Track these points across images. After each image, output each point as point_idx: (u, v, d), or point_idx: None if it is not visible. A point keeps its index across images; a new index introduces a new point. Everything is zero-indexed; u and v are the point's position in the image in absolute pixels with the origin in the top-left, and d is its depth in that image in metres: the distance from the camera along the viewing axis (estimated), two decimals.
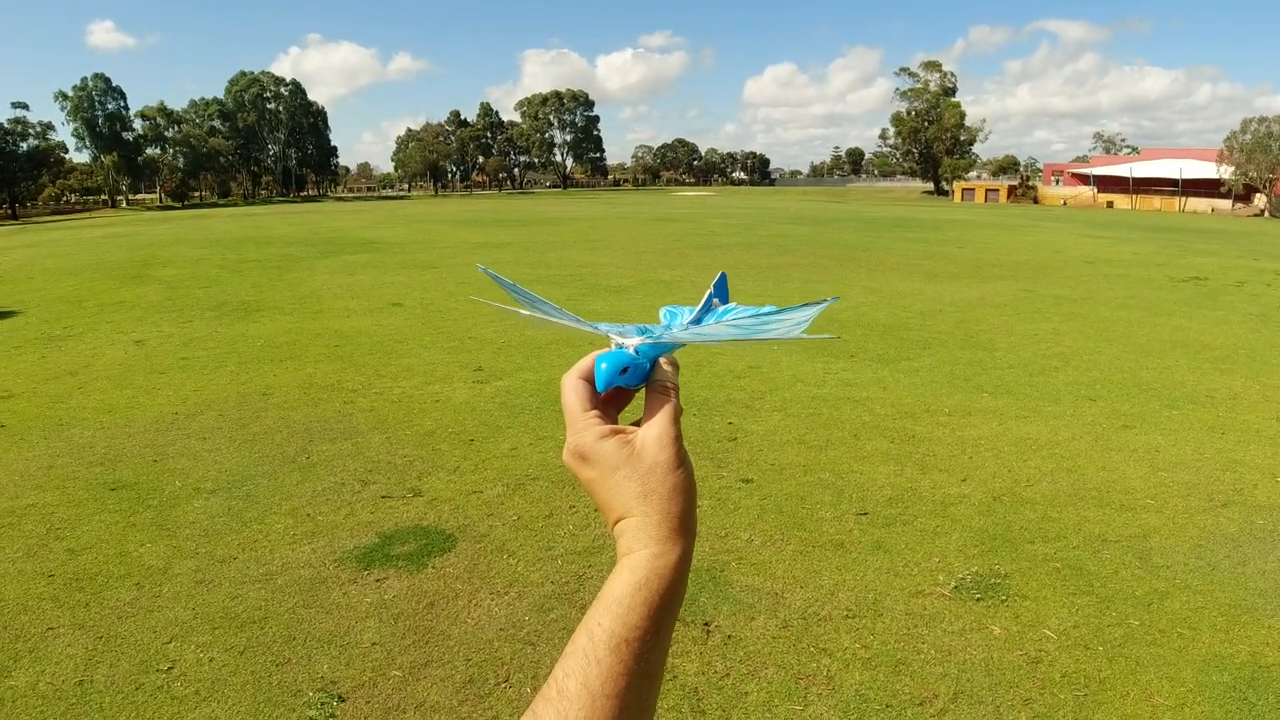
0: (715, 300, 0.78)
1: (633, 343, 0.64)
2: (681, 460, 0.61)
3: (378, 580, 4.02)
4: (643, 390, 0.66)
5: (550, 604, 3.80)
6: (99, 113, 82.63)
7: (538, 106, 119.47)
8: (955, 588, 3.93)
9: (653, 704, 0.57)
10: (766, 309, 0.71)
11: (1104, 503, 4.99)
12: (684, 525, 0.60)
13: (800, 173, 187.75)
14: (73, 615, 3.73)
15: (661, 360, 0.66)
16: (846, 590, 3.91)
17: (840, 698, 3.10)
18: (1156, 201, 57.63)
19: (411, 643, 3.47)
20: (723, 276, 0.81)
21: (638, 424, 0.64)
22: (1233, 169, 52.77)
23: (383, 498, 5.06)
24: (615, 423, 0.66)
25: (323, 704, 3.06)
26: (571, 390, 0.65)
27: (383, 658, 3.36)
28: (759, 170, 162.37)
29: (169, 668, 3.31)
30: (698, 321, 0.74)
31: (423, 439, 6.16)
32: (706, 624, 3.59)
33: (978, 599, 3.84)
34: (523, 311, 0.69)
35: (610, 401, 0.67)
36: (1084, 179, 67.86)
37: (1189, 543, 4.46)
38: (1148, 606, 3.80)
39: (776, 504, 4.92)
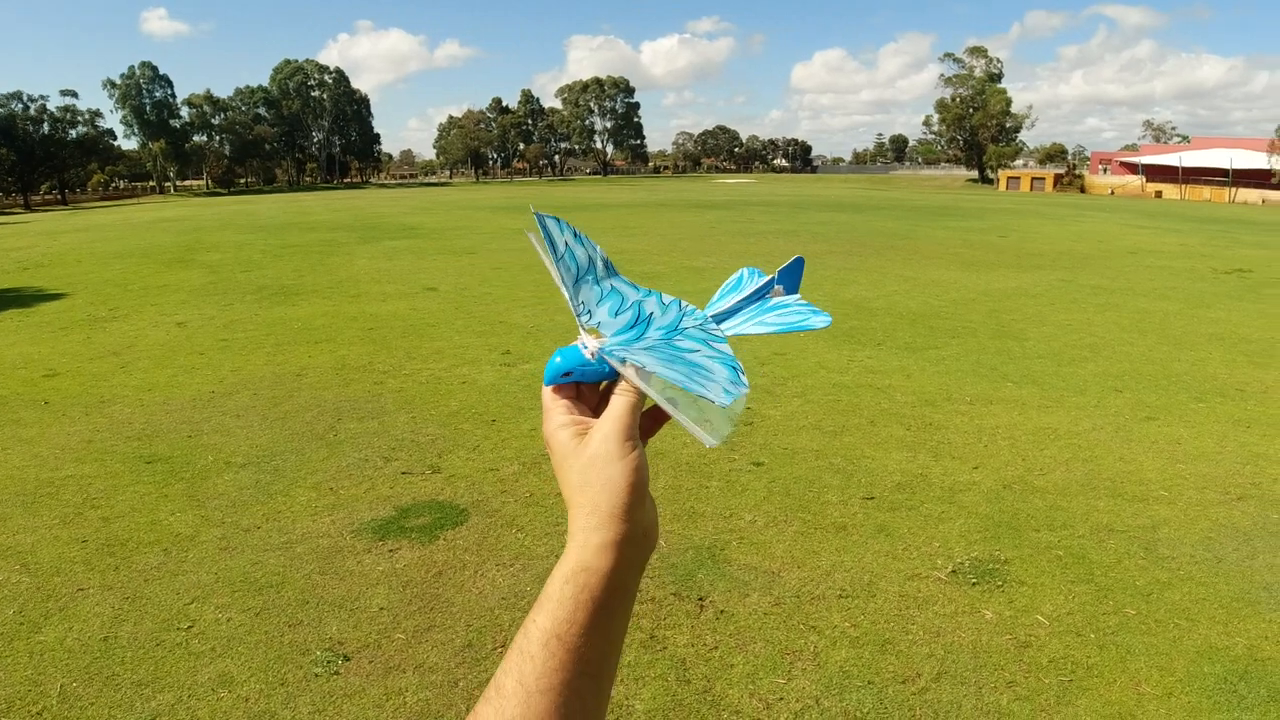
0: (778, 287, 0.74)
1: (594, 345, 0.64)
2: (623, 454, 0.60)
3: (391, 550, 4.19)
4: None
5: None
6: (146, 100, 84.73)
7: (578, 93, 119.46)
8: (952, 572, 3.97)
9: (597, 705, 0.56)
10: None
11: (1116, 493, 4.97)
12: (614, 519, 0.59)
13: (843, 160, 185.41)
14: (102, 577, 3.95)
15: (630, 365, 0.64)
16: (843, 571, 3.97)
17: (824, 673, 3.18)
18: (1206, 192, 55.78)
19: (417, 608, 3.63)
20: (798, 261, 0.76)
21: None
22: None
23: (403, 474, 5.23)
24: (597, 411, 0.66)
25: (328, 662, 3.23)
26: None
27: (389, 622, 3.52)
28: (800, 157, 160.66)
29: (189, 626, 3.51)
30: (742, 307, 0.73)
31: (446, 419, 6.32)
32: (701, 599, 3.69)
33: (973, 583, 3.88)
34: (551, 267, 0.68)
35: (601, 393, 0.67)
36: (1132, 168, 66.08)
37: (1198, 535, 4.43)
38: (1147, 596, 3.81)
39: (784, 487, 4.99)
